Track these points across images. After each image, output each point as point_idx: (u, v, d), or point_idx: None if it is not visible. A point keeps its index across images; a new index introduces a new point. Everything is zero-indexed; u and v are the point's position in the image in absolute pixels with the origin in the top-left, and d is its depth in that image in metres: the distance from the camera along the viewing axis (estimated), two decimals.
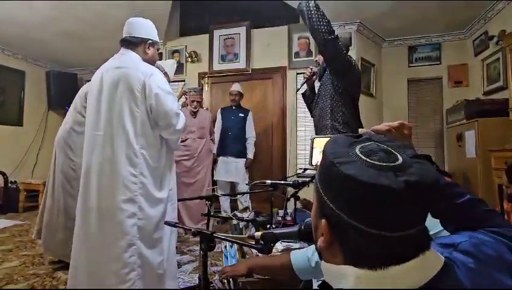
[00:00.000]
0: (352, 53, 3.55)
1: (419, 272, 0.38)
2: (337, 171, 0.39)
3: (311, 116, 2.23)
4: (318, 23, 1.64)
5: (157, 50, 1.56)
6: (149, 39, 1.48)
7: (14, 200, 3.96)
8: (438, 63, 3.84)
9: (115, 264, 1.27)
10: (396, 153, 0.41)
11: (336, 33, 1.68)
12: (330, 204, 0.41)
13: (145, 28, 1.49)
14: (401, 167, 0.39)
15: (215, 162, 3.37)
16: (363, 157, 0.40)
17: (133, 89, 1.33)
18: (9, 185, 4.08)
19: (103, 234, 1.31)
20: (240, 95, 3.42)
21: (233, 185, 3.39)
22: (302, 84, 2.12)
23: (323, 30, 1.64)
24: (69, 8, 3.25)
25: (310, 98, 2.17)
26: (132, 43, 1.45)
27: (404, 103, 3.96)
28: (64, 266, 1.99)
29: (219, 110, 3.50)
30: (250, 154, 3.34)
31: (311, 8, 1.66)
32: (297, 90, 2.17)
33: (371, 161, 0.39)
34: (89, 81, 1.66)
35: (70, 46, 4.26)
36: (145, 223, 1.33)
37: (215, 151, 3.37)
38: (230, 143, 3.30)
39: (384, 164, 0.39)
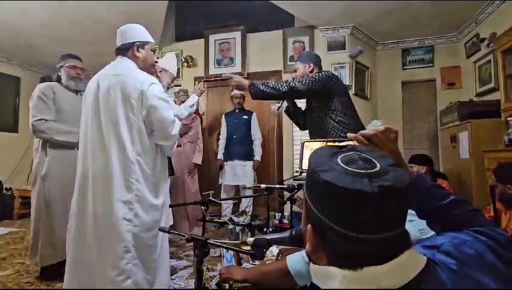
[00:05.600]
0: (346, 56, 3.59)
1: (402, 271, 0.40)
2: (318, 178, 0.42)
3: (300, 129, 2.27)
4: (276, 88, 1.77)
5: (153, 51, 1.54)
6: (136, 41, 1.46)
7: (9, 208, 3.92)
8: (431, 65, 3.89)
9: (111, 271, 1.27)
10: (375, 161, 0.44)
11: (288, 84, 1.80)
12: (313, 209, 0.44)
13: (131, 31, 1.48)
14: (377, 173, 0.42)
15: (221, 167, 3.36)
16: (342, 165, 0.43)
17: (130, 97, 1.33)
18: (4, 191, 4.05)
19: (99, 241, 1.30)
20: (243, 97, 3.43)
21: (237, 189, 3.38)
22: (282, 102, 2.11)
23: (282, 86, 1.76)
24: (63, 12, 3.25)
25: (294, 114, 2.19)
26: (123, 49, 1.46)
27: (398, 105, 4.00)
28: (58, 274, 1.97)
29: (223, 116, 3.51)
30: (258, 156, 3.33)
31: (264, 85, 1.78)
32: (278, 108, 2.14)
33: (349, 168, 0.42)
34: None
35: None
36: (140, 229, 1.33)
37: (221, 156, 3.37)
38: (236, 147, 3.29)
39: (362, 171, 0.42)
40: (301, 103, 2.23)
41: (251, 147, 3.34)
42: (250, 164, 3.28)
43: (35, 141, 2.11)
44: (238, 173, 3.25)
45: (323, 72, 1.87)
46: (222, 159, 3.36)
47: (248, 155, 3.29)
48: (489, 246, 0.49)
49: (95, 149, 1.35)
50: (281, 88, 1.76)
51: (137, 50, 1.46)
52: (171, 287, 1.55)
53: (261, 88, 1.75)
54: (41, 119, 1.97)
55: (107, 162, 1.32)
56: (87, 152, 1.38)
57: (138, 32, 1.49)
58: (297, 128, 3.68)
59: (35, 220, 1.99)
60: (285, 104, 2.12)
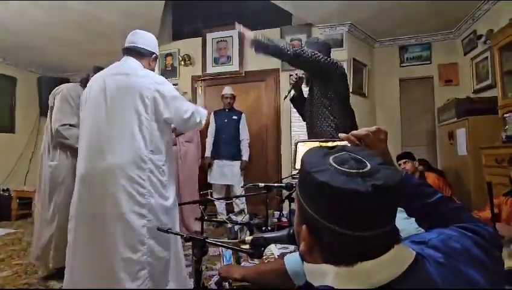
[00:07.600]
0: (344, 54, 3.58)
1: (392, 265, 0.42)
2: (313, 179, 0.43)
3: (303, 120, 2.25)
4: (281, 47, 1.72)
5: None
6: (155, 53, 1.57)
7: (7, 209, 3.90)
8: (429, 62, 3.89)
9: (126, 264, 1.28)
10: (365, 160, 0.45)
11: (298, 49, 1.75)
12: (308, 210, 0.44)
13: (153, 41, 1.59)
14: (369, 172, 0.43)
15: (209, 165, 3.36)
16: (335, 165, 0.44)
17: (143, 96, 1.35)
18: (2, 192, 4.03)
19: (112, 237, 1.30)
20: (234, 97, 3.42)
21: (228, 188, 3.39)
22: (290, 91, 2.12)
23: (287, 49, 1.71)
24: (60, 12, 3.22)
25: (299, 101, 2.17)
26: (140, 53, 1.50)
27: (396, 102, 4.00)
28: (57, 274, 1.97)
29: (212, 113, 3.50)
30: (245, 156, 3.34)
31: (268, 40, 1.72)
32: (285, 98, 2.17)
33: (342, 169, 0.43)
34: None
35: (62, 51, 4.22)
36: (154, 223, 1.35)
37: (208, 154, 3.36)
38: (225, 146, 3.30)
39: (354, 170, 0.43)
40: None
41: (239, 147, 3.35)
42: (238, 163, 3.30)
43: (46, 140, 2.09)
44: (226, 173, 3.27)
45: (333, 59, 1.82)
46: (210, 157, 3.35)
47: (236, 155, 3.31)
48: (475, 240, 0.51)
49: (104, 147, 1.34)
50: (285, 49, 1.69)
51: (152, 61, 1.57)
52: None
53: (265, 41, 1.69)
54: (66, 125, 1.98)
55: (121, 160, 1.32)
56: (93, 151, 1.37)
57: (156, 45, 1.61)
58: (296, 127, 3.71)
59: (59, 223, 1.93)
60: (292, 92, 2.11)
